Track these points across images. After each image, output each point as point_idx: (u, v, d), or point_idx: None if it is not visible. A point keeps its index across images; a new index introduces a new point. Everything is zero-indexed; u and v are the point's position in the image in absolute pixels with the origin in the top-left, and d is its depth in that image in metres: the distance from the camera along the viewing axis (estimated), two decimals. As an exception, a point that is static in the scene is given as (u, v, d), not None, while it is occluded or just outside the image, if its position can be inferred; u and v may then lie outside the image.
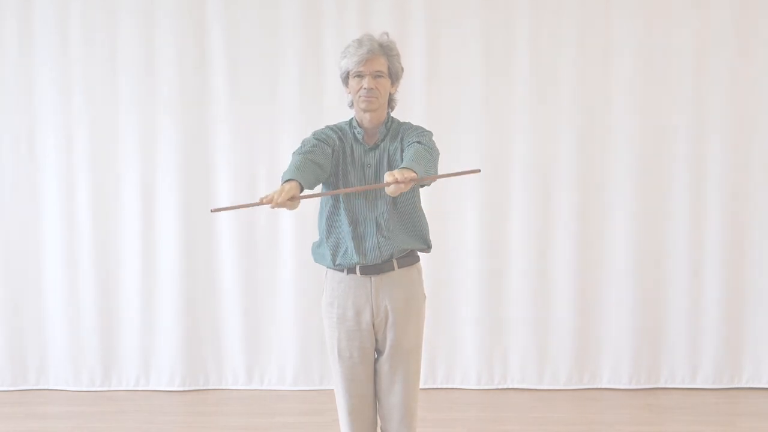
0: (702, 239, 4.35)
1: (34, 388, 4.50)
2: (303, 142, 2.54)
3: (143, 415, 4.13)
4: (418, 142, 2.47)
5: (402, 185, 2.19)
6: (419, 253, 2.67)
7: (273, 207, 2.20)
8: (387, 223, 2.52)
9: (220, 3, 4.33)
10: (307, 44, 4.33)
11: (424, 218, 2.64)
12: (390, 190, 2.21)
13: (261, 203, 2.21)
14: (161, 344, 4.46)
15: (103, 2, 4.34)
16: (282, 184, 2.26)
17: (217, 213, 4.39)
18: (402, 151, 2.52)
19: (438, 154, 2.52)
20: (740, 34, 4.27)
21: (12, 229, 4.45)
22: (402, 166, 2.31)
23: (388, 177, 2.20)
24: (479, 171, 2.34)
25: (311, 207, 4.23)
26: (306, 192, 2.34)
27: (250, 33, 4.34)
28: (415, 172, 2.24)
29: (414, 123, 2.66)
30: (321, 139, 2.53)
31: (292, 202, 2.22)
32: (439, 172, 2.51)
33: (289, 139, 4.33)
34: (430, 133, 2.58)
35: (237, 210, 4.38)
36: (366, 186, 2.36)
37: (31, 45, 4.37)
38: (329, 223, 2.57)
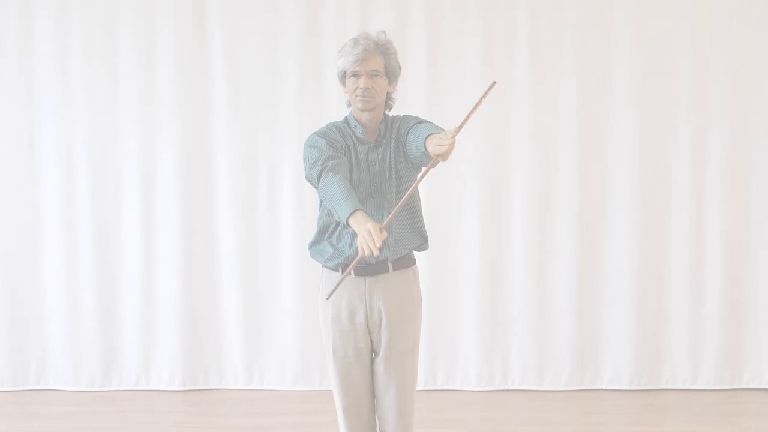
0: (702, 240, 4.34)
1: (34, 388, 4.50)
2: (314, 146, 2.44)
3: (143, 415, 4.13)
4: (419, 123, 2.47)
5: (449, 146, 2.16)
6: (417, 253, 2.66)
7: (379, 248, 2.14)
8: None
9: (220, 3, 4.33)
10: (308, 44, 4.32)
11: (421, 210, 2.62)
12: (441, 152, 2.17)
13: (364, 255, 2.17)
14: (161, 344, 4.46)
15: (103, 2, 4.34)
16: (364, 224, 2.16)
17: (216, 214, 4.40)
18: (401, 143, 2.50)
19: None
20: (741, 34, 4.26)
21: (12, 229, 4.44)
22: (429, 134, 2.29)
23: (436, 149, 2.18)
24: (495, 82, 2.26)
25: (311, 208, 4.26)
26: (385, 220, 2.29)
27: (250, 32, 4.34)
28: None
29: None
30: (332, 145, 2.46)
31: (384, 234, 2.18)
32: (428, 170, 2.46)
33: (289, 139, 4.33)
34: (420, 117, 2.57)
35: (236, 209, 4.39)
36: (401, 201, 2.27)
37: (31, 45, 4.37)
38: (331, 219, 2.52)
